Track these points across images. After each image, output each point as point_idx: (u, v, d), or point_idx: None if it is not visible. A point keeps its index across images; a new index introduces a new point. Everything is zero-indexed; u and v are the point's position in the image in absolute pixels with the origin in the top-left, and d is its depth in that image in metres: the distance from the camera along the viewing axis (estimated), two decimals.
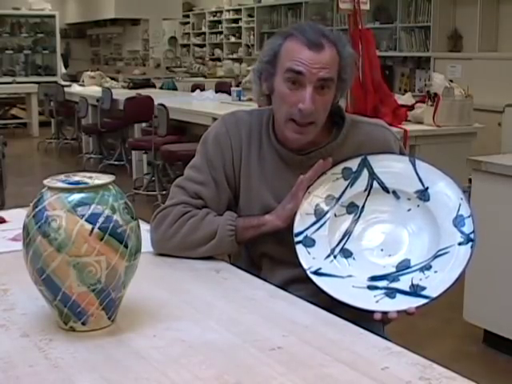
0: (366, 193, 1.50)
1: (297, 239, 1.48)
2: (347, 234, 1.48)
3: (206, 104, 6.65)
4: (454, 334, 3.20)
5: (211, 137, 1.68)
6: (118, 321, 1.24)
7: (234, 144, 1.65)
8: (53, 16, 11.98)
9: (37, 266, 1.17)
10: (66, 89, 9.23)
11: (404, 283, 1.37)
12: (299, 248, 1.46)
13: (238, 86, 8.30)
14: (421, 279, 1.36)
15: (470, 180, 3.06)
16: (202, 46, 14.08)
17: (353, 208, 1.49)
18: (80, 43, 14.68)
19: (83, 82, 9.68)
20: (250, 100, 6.55)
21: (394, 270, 1.41)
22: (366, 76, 4.57)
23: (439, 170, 1.55)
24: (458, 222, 1.42)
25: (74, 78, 11.02)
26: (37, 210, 1.18)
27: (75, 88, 9.37)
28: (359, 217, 1.48)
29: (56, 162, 8.68)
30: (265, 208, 1.63)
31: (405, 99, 5.04)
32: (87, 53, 14.85)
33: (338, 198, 1.51)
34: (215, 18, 13.50)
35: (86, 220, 1.15)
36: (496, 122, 5.62)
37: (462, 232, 1.41)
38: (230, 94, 6.94)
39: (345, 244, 1.47)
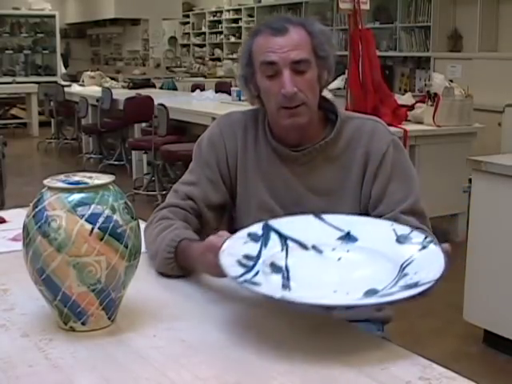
0: (284, 253, 1.28)
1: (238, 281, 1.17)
2: (286, 288, 1.20)
3: (206, 104, 6.65)
4: (454, 334, 3.20)
5: (205, 138, 1.71)
6: (118, 321, 1.24)
7: (228, 145, 1.67)
8: (53, 16, 11.98)
9: (37, 266, 1.17)
10: (66, 89, 9.23)
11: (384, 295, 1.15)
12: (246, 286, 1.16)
13: (237, 85, 8.29)
14: (406, 281, 1.16)
15: (470, 180, 3.06)
16: (202, 46, 14.08)
17: (277, 268, 1.23)
18: (80, 43, 14.67)
19: (83, 81, 9.68)
20: None
21: (361, 297, 1.15)
22: (366, 76, 4.58)
23: (352, 214, 1.42)
24: (402, 240, 1.28)
25: (74, 78, 11.01)
26: (37, 209, 1.18)
27: (75, 88, 9.36)
28: (288, 277, 1.21)
29: (56, 161, 8.68)
30: (261, 205, 1.64)
31: (405, 99, 5.05)
32: (87, 53, 14.85)
33: (258, 257, 1.24)
34: (215, 18, 13.50)
35: (86, 220, 1.15)
36: (496, 122, 5.62)
37: (414, 243, 1.26)
38: (230, 94, 6.94)
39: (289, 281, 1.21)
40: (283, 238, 1.30)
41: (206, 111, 5.79)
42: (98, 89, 8.58)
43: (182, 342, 1.16)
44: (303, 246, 1.30)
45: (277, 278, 1.20)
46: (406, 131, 4.45)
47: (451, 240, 4.87)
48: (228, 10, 13.06)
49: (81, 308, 1.18)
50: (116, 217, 1.17)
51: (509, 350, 2.99)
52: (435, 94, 4.64)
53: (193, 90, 8.10)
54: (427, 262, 1.19)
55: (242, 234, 1.29)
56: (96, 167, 7.57)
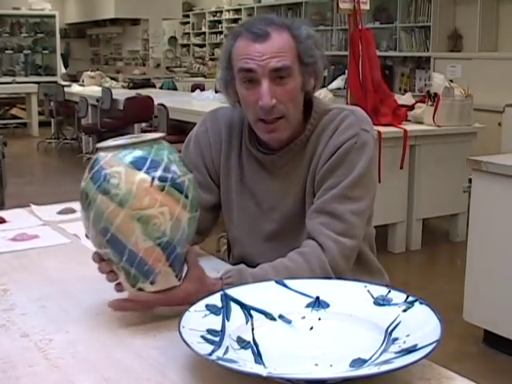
0: (250, 326, 1.14)
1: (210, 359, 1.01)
2: (259, 365, 1.06)
3: (205, 104, 6.64)
4: (454, 334, 3.19)
5: (192, 138, 1.66)
6: (117, 321, 1.24)
7: (213, 141, 1.62)
8: (53, 16, 11.98)
9: (100, 227, 1.15)
10: (65, 89, 9.24)
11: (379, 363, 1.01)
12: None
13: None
14: (399, 346, 1.04)
15: (470, 180, 3.06)
16: (201, 46, 14.08)
17: (244, 343, 1.10)
18: (80, 43, 14.68)
19: (83, 81, 9.69)
20: None
21: (350, 368, 1.03)
22: (365, 76, 4.58)
23: (319, 278, 1.32)
24: (380, 301, 1.17)
25: (74, 78, 11.02)
26: (93, 171, 1.16)
27: (75, 88, 9.38)
28: (259, 353, 1.08)
29: (56, 162, 8.69)
30: (243, 211, 1.59)
31: (405, 99, 5.05)
32: (87, 53, 14.85)
33: (223, 331, 1.11)
34: (215, 18, 13.51)
35: (145, 172, 1.14)
36: (496, 122, 5.62)
37: (395, 304, 1.15)
38: None
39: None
40: (246, 309, 1.17)
41: (206, 111, 5.77)
42: (98, 89, 8.59)
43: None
44: (269, 317, 1.17)
45: (247, 354, 1.06)
46: (406, 131, 4.45)
47: (451, 240, 4.87)
48: (228, 10, 13.06)
49: (148, 265, 1.17)
50: (174, 168, 1.17)
51: (509, 350, 2.99)
52: (435, 94, 4.64)
53: (193, 90, 8.10)
54: (417, 322, 1.09)
55: (200, 306, 1.15)
56: None
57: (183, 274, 1.23)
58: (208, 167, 1.62)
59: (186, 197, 1.17)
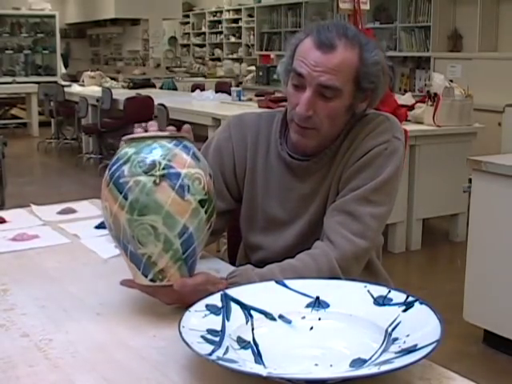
0: (250, 326, 1.14)
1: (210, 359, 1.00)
2: (259, 365, 1.06)
3: (205, 104, 6.65)
4: (454, 334, 3.19)
5: (213, 143, 1.62)
6: (117, 321, 1.24)
7: (236, 150, 1.58)
8: (53, 16, 11.98)
9: None
10: (66, 89, 9.24)
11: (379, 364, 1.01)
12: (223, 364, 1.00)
13: (237, 86, 8.31)
14: (399, 346, 1.05)
15: (470, 180, 3.06)
16: (201, 46, 14.08)
17: (244, 343, 1.10)
18: (80, 43, 14.68)
19: (83, 81, 9.69)
20: (250, 100, 6.56)
21: (350, 368, 1.04)
22: None
23: (320, 278, 1.31)
24: (380, 301, 1.17)
25: (74, 78, 11.02)
26: None
27: (75, 88, 9.38)
28: (259, 353, 1.08)
29: (56, 161, 8.68)
30: (269, 219, 1.57)
31: (405, 99, 5.04)
32: (87, 53, 14.86)
33: (223, 331, 1.11)
34: (215, 18, 13.51)
35: (109, 168, 1.22)
36: (496, 122, 5.62)
37: (395, 304, 1.15)
38: (229, 93, 6.94)
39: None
40: (246, 309, 1.17)
41: (206, 111, 5.79)
42: (98, 89, 8.59)
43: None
44: (269, 317, 1.17)
45: (246, 354, 1.07)
46: (405, 131, 4.44)
47: (451, 240, 4.87)
48: (228, 10, 13.06)
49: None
50: (124, 167, 1.19)
51: (509, 349, 2.99)
52: (435, 94, 4.64)
53: (193, 90, 8.11)
54: (417, 322, 1.09)
55: (200, 306, 1.15)
56: (96, 167, 7.57)
57: (154, 275, 1.22)
58: (225, 175, 1.59)
59: (125, 198, 1.17)
